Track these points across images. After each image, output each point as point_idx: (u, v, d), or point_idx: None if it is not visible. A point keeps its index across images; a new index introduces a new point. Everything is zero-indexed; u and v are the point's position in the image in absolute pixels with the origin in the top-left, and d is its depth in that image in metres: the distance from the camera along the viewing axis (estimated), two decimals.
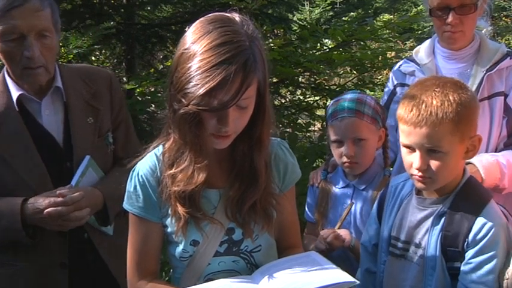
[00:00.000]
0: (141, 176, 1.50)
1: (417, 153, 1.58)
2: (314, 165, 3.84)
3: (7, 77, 1.89)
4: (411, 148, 1.60)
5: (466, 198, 1.62)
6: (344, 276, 1.37)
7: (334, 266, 1.44)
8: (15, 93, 1.87)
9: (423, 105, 1.55)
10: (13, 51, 1.77)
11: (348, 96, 2.09)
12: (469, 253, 1.57)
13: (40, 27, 1.77)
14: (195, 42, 1.33)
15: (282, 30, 4.70)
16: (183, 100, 1.33)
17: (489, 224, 1.55)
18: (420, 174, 1.59)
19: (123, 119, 2.08)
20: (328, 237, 1.94)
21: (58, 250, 1.91)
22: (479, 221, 1.56)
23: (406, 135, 1.60)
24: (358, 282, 1.38)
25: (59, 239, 1.90)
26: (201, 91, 1.29)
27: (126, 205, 1.53)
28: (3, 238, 1.84)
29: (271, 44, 3.86)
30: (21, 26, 1.74)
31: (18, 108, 1.87)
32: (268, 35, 4.71)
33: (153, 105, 3.79)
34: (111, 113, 2.02)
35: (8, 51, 1.78)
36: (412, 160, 1.60)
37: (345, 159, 2.03)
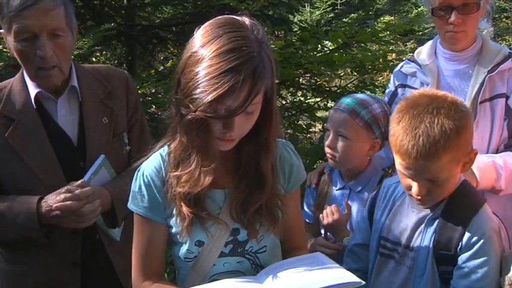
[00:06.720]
0: (146, 176, 1.49)
1: (416, 183, 1.57)
2: (315, 166, 3.84)
3: (25, 75, 1.90)
4: (410, 178, 1.59)
5: (460, 201, 1.62)
6: (350, 276, 1.37)
7: (339, 266, 1.44)
8: (33, 91, 1.87)
9: (414, 148, 1.51)
10: (27, 50, 1.77)
11: (358, 95, 2.14)
12: (463, 257, 1.56)
13: (52, 26, 1.76)
14: (204, 46, 1.31)
15: (282, 31, 4.70)
16: (191, 106, 1.32)
17: (483, 228, 1.55)
18: (419, 197, 1.59)
19: (137, 119, 2.07)
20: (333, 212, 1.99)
21: (70, 249, 1.90)
22: (473, 225, 1.56)
23: (403, 168, 1.58)
24: (363, 282, 1.38)
25: (72, 239, 1.89)
26: (209, 98, 1.27)
27: (130, 205, 1.52)
28: (18, 236, 1.83)
29: (272, 46, 3.86)
30: (33, 26, 1.74)
31: (36, 106, 1.87)
32: (269, 36, 4.71)
33: (154, 107, 3.78)
34: (126, 114, 2.02)
35: (22, 51, 1.78)
36: (410, 184, 1.59)
37: (327, 148, 2.06)
